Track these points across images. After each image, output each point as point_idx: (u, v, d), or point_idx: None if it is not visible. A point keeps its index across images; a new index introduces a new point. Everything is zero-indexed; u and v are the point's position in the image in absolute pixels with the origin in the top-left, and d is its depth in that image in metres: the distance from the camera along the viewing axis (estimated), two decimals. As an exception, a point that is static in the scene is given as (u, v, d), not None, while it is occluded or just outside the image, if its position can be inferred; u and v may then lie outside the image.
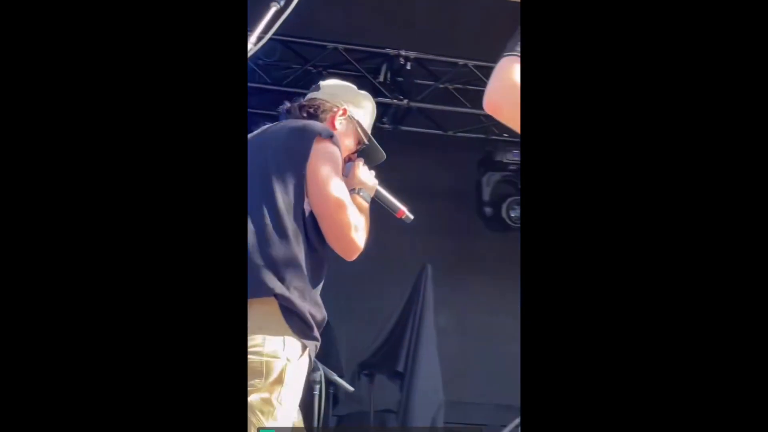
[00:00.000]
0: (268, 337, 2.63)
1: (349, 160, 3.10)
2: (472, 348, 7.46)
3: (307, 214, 2.79)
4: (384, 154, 3.21)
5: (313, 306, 2.72)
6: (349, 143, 3.09)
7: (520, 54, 2.31)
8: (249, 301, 2.52)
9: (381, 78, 6.91)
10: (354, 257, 2.86)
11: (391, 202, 3.20)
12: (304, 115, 3.03)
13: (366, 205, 2.97)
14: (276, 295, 2.66)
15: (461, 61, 6.90)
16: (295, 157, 2.83)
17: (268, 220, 2.73)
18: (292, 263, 2.70)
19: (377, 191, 3.08)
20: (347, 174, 3.00)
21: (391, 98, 6.93)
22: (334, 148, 2.87)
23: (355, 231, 2.81)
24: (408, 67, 6.87)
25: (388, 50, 6.84)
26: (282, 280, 2.67)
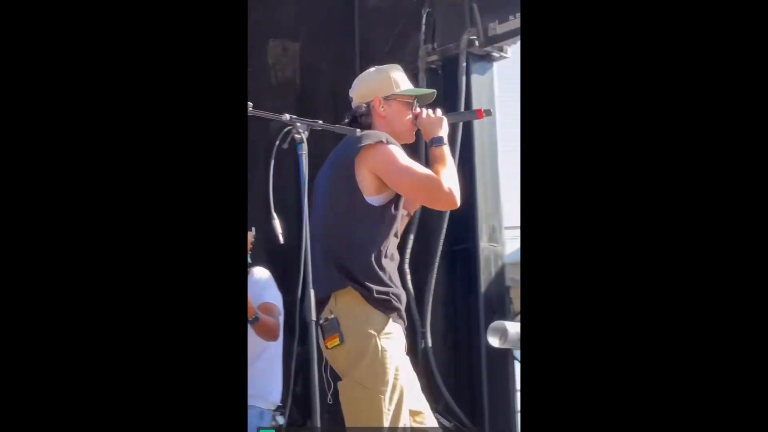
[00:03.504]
0: (359, 321, 2.94)
1: (415, 118, 3.25)
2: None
3: (376, 204, 3.03)
4: (433, 91, 3.33)
5: (386, 286, 3.00)
6: (402, 116, 3.24)
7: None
8: (335, 293, 2.94)
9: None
10: (458, 204, 3.07)
11: (465, 116, 3.42)
12: (356, 125, 3.17)
13: (445, 151, 3.13)
14: (354, 285, 2.97)
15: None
16: (345, 166, 3.05)
17: (340, 220, 3.03)
18: (366, 253, 2.99)
19: (448, 121, 3.20)
20: (418, 126, 3.19)
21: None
22: (384, 147, 3.06)
23: (441, 187, 3.02)
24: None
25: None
26: (359, 270, 2.97)
